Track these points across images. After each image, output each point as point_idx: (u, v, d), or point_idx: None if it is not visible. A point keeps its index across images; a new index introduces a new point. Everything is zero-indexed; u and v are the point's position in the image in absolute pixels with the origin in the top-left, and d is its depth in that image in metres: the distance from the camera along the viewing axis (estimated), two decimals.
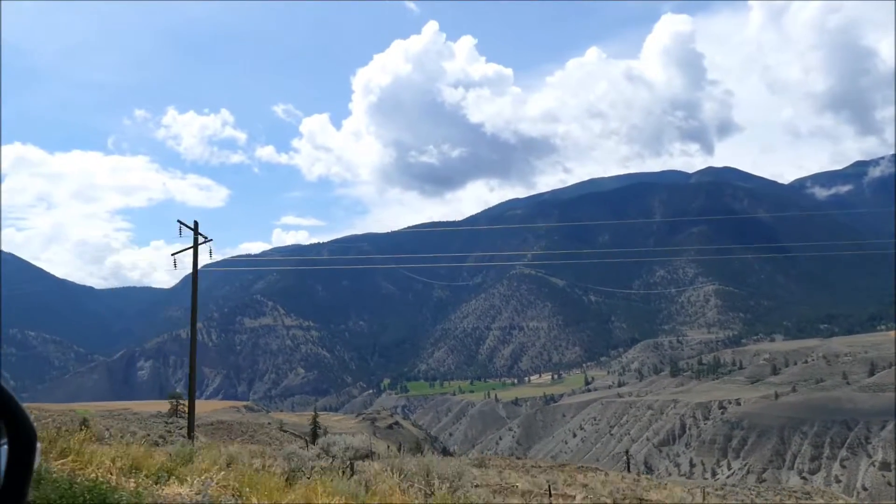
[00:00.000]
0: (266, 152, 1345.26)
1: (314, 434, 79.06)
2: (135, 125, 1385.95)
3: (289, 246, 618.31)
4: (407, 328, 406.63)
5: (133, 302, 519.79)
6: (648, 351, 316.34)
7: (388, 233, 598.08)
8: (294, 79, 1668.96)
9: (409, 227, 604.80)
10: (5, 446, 1.42)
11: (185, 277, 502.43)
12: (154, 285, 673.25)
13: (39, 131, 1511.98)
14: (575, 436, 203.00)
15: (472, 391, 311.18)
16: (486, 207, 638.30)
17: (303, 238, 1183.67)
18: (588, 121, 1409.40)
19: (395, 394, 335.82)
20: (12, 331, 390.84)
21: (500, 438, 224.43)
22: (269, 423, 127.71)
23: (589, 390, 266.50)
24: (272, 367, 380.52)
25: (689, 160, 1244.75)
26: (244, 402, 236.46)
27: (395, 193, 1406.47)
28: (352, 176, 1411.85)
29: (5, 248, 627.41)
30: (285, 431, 74.18)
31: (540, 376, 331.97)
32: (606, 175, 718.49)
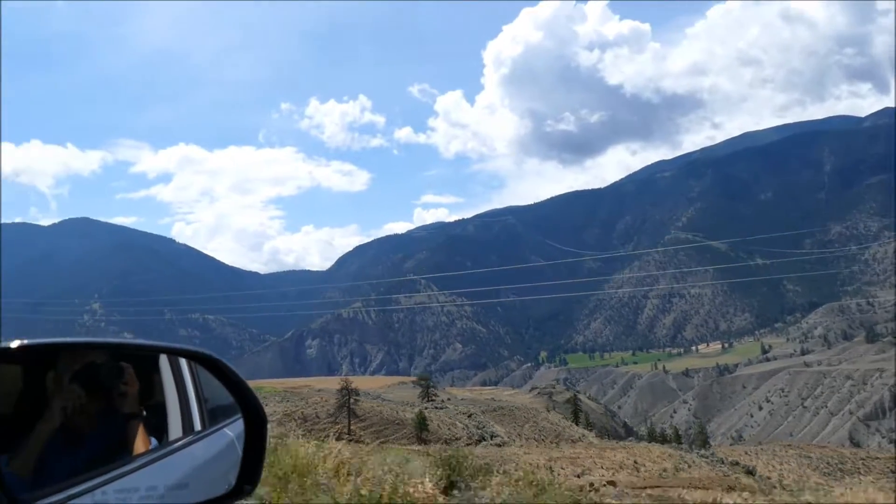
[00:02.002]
0: (404, 133, 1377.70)
1: (576, 413, 77.11)
2: (281, 118, 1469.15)
3: (432, 224, 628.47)
4: (558, 300, 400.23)
5: (293, 284, 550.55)
6: (833, 315, 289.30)
7: (530, 204, 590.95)
8: (427, 59, 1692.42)
9: (552, 197, 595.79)
10: (240, 428, 1.54)
11: (339, 259, 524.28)
12: (308, 268, 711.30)
13: (199, 131, 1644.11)
14: (761, 409, 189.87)
15: (635, 362, 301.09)
16: (630, 172, 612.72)
17: (443, 215, 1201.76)
18: (738, 70, 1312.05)
19: (554, 366, 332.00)
20: (194, 315, 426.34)
21: (675, 412, 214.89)
22: (449, 400, 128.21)
23: (767, 359, 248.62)
24: (430, 342, 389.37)
25: (858, 103, 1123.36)
26: (411, 378, 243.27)
27: (533, 164, 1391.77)
28: (488, 150, 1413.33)
29: (181, 241, 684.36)
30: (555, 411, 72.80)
31: (708, 345, 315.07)
32: (761, 127, 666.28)
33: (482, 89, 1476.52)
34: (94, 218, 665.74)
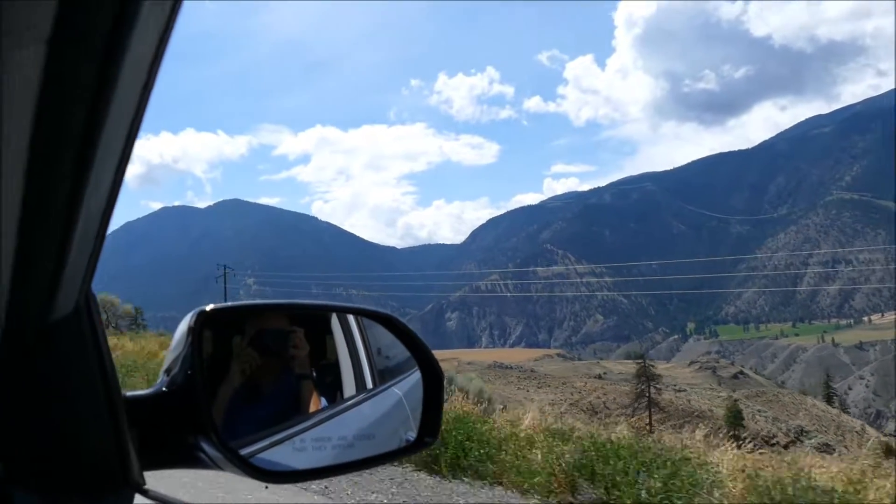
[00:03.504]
0: (533, 103, 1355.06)
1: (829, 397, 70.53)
2: (411, 95, 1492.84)
3: (566, 193, 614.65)
4: (704, 268, 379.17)
5: (429, 258, 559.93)
6: None
7: (669, 170, 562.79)
8: (555, 24, 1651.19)
9: (693, 161, 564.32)
10: (406, 387, 1.62)
11: (473, 233, 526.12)
12: (441, 241, 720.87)
13: (334, 113, 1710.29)
14: None
15: (796, 334, 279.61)
16: (781, 130, 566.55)
17: (574, 185, 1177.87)
18: None
19: (704, 338, 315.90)
20: (337, 290, 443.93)
21: (850, 388, 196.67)
22: (605, 373, 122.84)
23: None
24: (569, 314, 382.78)
25: None
26: (555, 350, 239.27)
27: (670, 127, 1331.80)
28: (620, 115, 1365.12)
29: (323, 218, 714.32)
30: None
31: (883, 315, 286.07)
32: None
33: (613, 52, 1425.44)
34: (244, 199, 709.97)
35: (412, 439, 1.45)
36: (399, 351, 1.65)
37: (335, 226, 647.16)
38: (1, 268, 0.85)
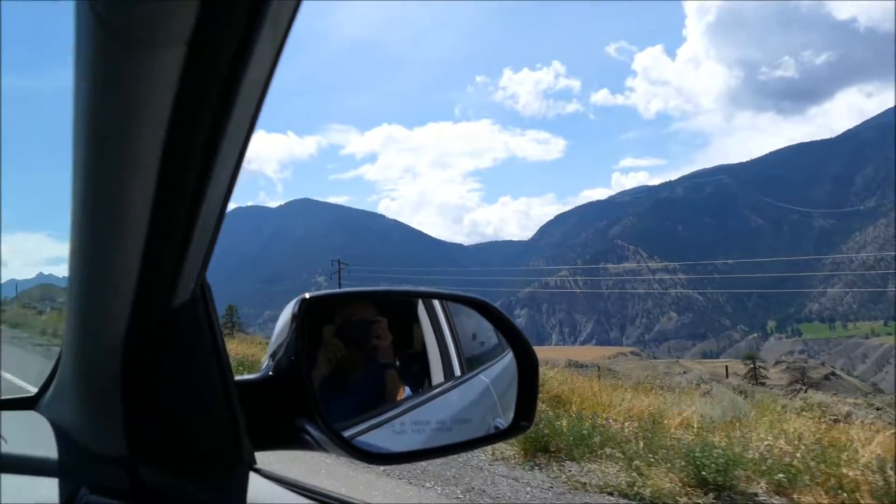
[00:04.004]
0: (600, 96, 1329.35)
1: None
2: (476, 91, 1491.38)
3: (636, 188, 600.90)
4: (784, 264, 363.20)
5: (496, 255, 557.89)
6: None
7: (745, 162, 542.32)
8: (623, 15, 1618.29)
9: (771, 152, 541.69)
10: (494, 374, 1.66)
11: (541, 229, 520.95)
12: (508, 238, 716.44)
13: (400, 111, 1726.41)
14: None
15: (888, 333, 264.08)
16: (867, 118, 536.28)
17: (643, 179, 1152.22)
18: None
19: (786, 337, 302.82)
20: (406, 287, 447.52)
21: None
22: (685, 373, 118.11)
23: None
24: (642, 311, 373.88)
25: None
26: (629, 348, 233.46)
27: (745, 118, 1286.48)
28: (692, 107, 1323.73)
29: (390, 216, 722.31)
30: None
31: None
32: None
33: (684, 42, 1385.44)
34: (314, 198, 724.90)
35: (501, 426, 1.47)
36: (486, 338, 1.68)
37: (403, 223, 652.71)
38: (131, 257, 0.91)
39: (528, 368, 1.46)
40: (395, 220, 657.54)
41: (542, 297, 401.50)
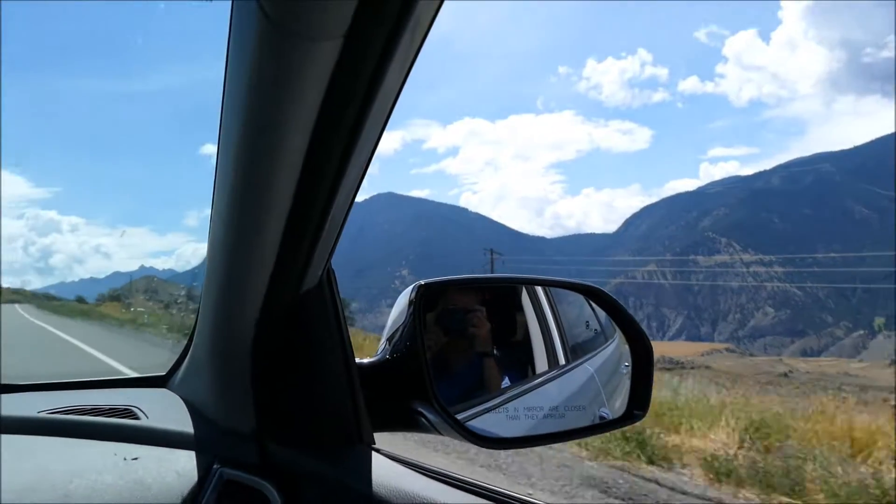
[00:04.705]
0: (689, 84, 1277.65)
1: None
2: (559, 82, 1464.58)
3: (727, 178, 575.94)
4: (893, 258, 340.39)
5: (580, 247, 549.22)
6: None
7: (848, 149, 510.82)
8: None
9: (878, 138, 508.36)
10: (598, 363, 1.67)
11: (626, 221, 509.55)
12: (590, 230, 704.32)
13: (482, 105, 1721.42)
14: None
15: None
16: None
17: (733, 169, 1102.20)
18: None
19: None
20: None
21: None
22: (790, 372, 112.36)
23: None
24: (735, 306, 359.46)
25: None
26: (723, 344, 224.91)
27: (847, 103, 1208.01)
28: (788, 92, 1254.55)
29: (472, 209, 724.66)
30: None
31: None
32: None
33: (779, 24, 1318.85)
34: (397, 192, 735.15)
35: (606, 415, 1.46)
36: (588, 326, 1.69)
37: (485, 216, 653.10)
38: (270, 245, 0.97)
39: (642, 356, 1.45)
40: (478, 213, 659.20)
41: (628, 290, 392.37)
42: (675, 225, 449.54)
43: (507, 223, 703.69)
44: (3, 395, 1.50)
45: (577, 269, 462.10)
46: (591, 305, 1.72)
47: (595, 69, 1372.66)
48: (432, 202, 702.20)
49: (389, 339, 1.23)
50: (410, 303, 1.20)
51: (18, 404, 1.40)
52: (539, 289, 1.71)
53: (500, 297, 1.55)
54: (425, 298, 1.23)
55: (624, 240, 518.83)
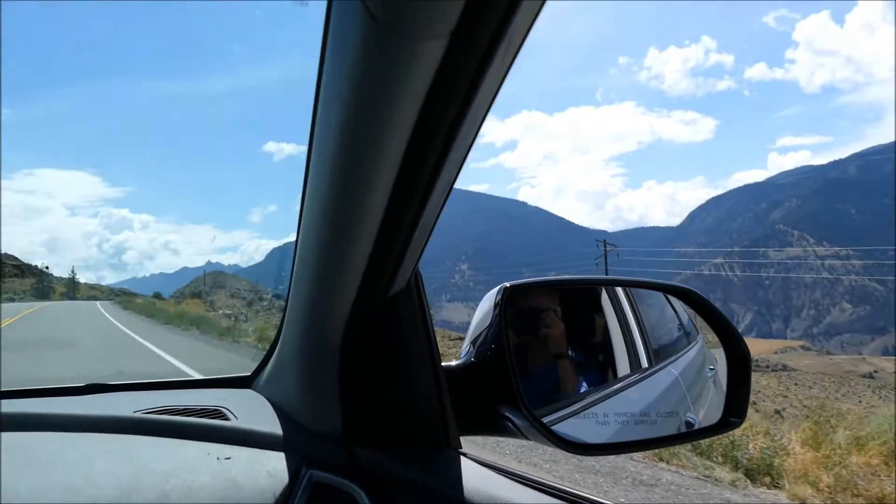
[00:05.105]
0: (756, 71, 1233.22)
1: None
2: (619, 73, 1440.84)
3: (798, 168, 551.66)
4: None
5: (643, 241, 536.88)
6: None
7: None
8: None
9: None
10: (682, 366, 1.64)
11: (691, 214, 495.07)
12: (653, 224, 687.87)
13: (540, 98, 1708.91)
14: None
15: None
16: None
17: (804, 158, 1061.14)
18: None
19: None
20: (550, 274, 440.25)
21: None
22: (876, 371, 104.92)
23: None
24: (809, 301, 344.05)
25: None
26: (797, 342, 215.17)
27: None
28: (864, 77, 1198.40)
29: (532, 204, 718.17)
30: None
31: None
32: None
33: (854, 6, 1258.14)
34: (456, 187, 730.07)
35: (693, 420, 1.42)
36: (671, 327, 1.66)
37: (544, 210, 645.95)
38: (362, 248, 0.98)
39: (738, 361, 1.40)
40: (537, 207, 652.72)
41: (695, 285, 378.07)
42: (743, 217, 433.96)
43: (566, 217, 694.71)
44: (98, 395, 1.56)
45: (638, 262, 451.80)
46: (672, 306, 1.68)
47: (657, 58, 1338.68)
48: (490, 196, 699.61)
49: (473, 342, 1.22)
50: (496, 305, 1.20)
51: (113, 404, 1.44)
52: (619, 289, 1.68)
53: (578, 298, 1.52)
54: (510, 300, 1.22)
55: (689, 233, 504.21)
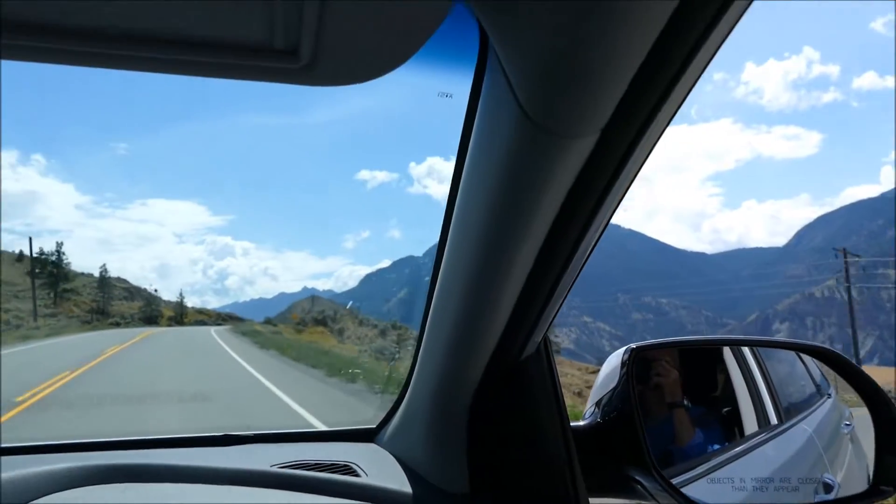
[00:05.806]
0: (865, 81, 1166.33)
1: None
2: (715, 89, 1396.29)
3: None
4: None
5: (744, 263, 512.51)
6: None
7: None
8: None
9: None
10: (816, 422, 1.60)
11: (798, 234, 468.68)
12: (754, 244, 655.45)
13: None
14: None
15: None
16: None
17: None
18: None
19: None
20: (646, 299, 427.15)
21: None
22: None
23: None
24: None
25: None
26: None
27: None
28: None
29: (627, 227, 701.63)
30: None
31: None
32: None
33: None
34: None
35: (831, 482, 1.35)
36: (801, 384, 1.60)
37: (639, 232, 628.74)
38: (501, 315, 1.02)
39: (888, 423, 1.32)
40: (630, 230, 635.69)
41: (805, 309, 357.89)
42: (857, 236, 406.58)
43: (661, 238, 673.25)
44: (234, 447, 1.60)
45: (740, 286, 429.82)
46: (802, 361, 1.64)
47: (754, 73, 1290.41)
48: None
49: (598, 403, 1.22)
50: (623, 364, 1.20)
51: (248, 457, 1.48)
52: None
53: (698, 351, 1.50)
54: (637, 360, 1.21)
55: (796, 253, 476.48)
